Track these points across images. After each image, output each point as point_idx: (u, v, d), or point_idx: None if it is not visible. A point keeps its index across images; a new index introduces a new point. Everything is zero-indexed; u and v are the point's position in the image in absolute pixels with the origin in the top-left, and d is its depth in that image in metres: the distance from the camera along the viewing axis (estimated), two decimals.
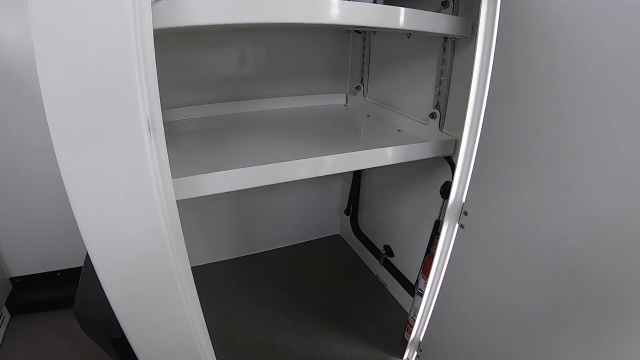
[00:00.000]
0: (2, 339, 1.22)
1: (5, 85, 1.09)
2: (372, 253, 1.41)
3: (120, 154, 0.46)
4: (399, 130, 1.02)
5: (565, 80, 0.56)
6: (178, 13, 0.50)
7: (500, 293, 0.74)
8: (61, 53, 0.40)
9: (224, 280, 1.40)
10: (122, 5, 0.41)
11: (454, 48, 0.87)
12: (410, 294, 1.18)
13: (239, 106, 1.18)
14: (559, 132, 0.58)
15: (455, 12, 0.81)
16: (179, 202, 0.57)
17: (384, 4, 0.70)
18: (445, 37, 0.87)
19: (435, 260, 0.89)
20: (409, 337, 1.06)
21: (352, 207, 1.50)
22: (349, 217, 1.53)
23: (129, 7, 0.41)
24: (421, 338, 1.03)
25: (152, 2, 0.45)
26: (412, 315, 1.06)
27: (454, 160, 0.88)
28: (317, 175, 0.75)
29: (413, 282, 1.17)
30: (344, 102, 1.33)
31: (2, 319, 1.25)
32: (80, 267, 0.86)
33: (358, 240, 1.50)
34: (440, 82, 0.92)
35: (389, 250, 1.30)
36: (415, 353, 1.06)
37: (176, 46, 1.08)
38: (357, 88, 1.27)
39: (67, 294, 1.32)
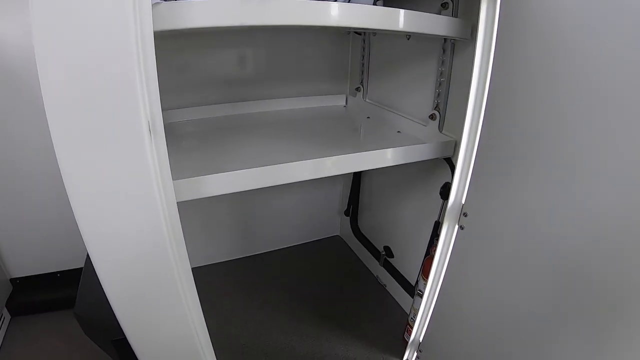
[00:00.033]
0: (2, 340, 1.22)
1: (5, 85, 1.09)
2: (372, 254, 1.41)
3: (121, 154, 0.47)
4: (398, 132, 1.02)
5: (564, 82, 0.56)
6: (178, 15, 0.50)
7: (500, 293, 0.74)
8: (62, 53, 0.40)
9: (224, 281, 1.40)
10: (123, 6, 0.41)
11: (454, 50, 0.87)
12: (410, 295, 1.18)
13: (239, 107, 1.18)
14: (559, 133, 0.58)
15: (454, 14, 0.81)
16: (179, 203, 0.57)
17: (384, 5, 0.70)
18: (445, 39, 0.87)
19: (435, 261, 0.89)
20: (408, 338, 1.06)
21: (352, 208, 1.50)
22: (348, 218, 1.53)
23: (129, 7, 0.41)
24: (421, 339, 1.03)
25: (152, 5, 0.45)
26: (412, 316, 1.06)
27: (453, 162, 0.89)
28: (317, 177, 0.75)
29: (413, 283, 1.17)
30: (344, 104, 1.33)
31: (2, 320, 1.25)
32: (81, 268, 0.87)
33: (358, 241, 1.50)
34: (439, 84, 0.92)
35: (388, 251, 1.30)
36: (415, 354, 1.06)
37: (176, 48, 1.08)
38: (357, 89, 1.27)
39: (68, 295, 1.32)
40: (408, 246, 1.20)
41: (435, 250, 0.88)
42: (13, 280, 1.34)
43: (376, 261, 1.38)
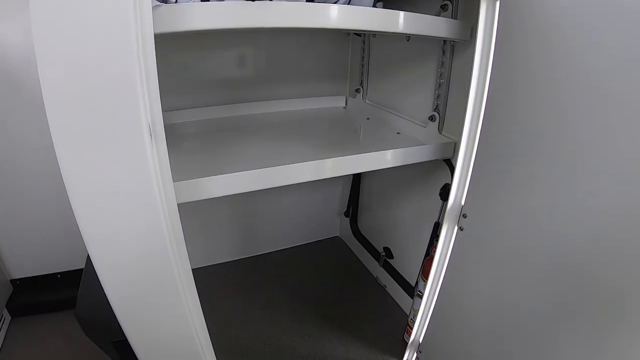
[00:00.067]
0: (3, 341, 1.22)
1: (5, 85, 1.09)
2: (372, 255, 1.41)
3: (121, 154, 0.47)
4: (398, 133, 1.02)
5: (564, 81, 0.56)
6: (179, 18, 0.50)
7: (500, 293, 0.74)
8: (62, 52, 0.40)
9: (225, 282, 1.40)
10: (123, 5, 0.41)
11: (453, 51, 0.87)
12: (409, 296, 1.18)
13: (239, 109, 1.18)
14: (559, 131, 0.58)
15: (454, 16, 0.81)
16: (180, 204, 0.57)
17: (384, 7, 0.70)
18: (445, 40, 0.87)
19: (434, 262, 0.89)
20: (408, 339, 1.06)
21: (352, 209, 1.50)
22: (348, 219, 1.53)
23: (130, 6, 0.41)
24: (421, 339, 1.03)
25: (153, 7, 0.45)
26: (411, 316, 1.06)
27: (453, 163, 0.89)
28: (317, 179, 0.75)
29: (413, 284, 1.17)
30: (344, 105, 1.34)
31: (2, 321, 1.25)
32: (81, 269, 0.87)
33: (358, 242, 1.50)
34: (439, 85, 0.92)
35: (388, 252, 1.30)
36: (415, 354, 1.06)
37: (176, 49, 1.08)
38: (357, 90, 1.27)
39: (68, 296, 1.32)
40: (408, 247, 1.20)
41: (435, 251, 0.89)
42: (13, 282, 1.34)
43: (376, 262, 1.38)
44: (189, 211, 1.13)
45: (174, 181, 0.54)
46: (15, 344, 1.23)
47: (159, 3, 0.49)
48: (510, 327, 0.73)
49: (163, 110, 0.49)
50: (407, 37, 1.00)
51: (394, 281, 1.28)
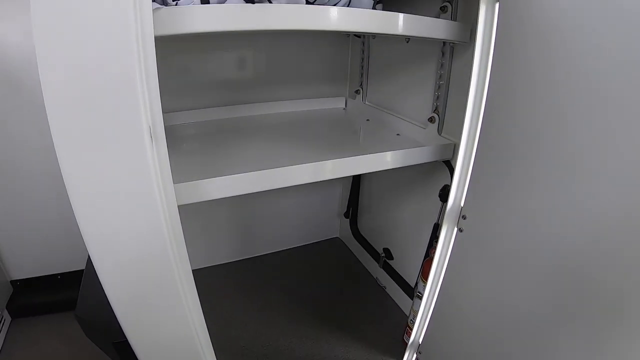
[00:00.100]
0: (3, 342, 1.22)
1: (5, 85, 1.09)
2: (371, 256, 1.41)
3: (121, 155, 0.47)
4: (398, 134, 1.02)
5: (564, 82, 0.56)
6: (179, 20, 0.50)
7: (500, 295, 0.74)
8: (62, 53, 0.40)
9: (225, 282, 1.40)
10: (123, 5, 0.41)
11: (453, 53, 0.87)
12: (409, 297, 1.18)
13: (239, 110, 1.19)
14: (559, 133, 0.58)
15: (453, 18, 0.82)
16: (180, 206, 0.58)
17: (383, 9, 0.71)
18: (444, 42, 0.88)
19: (434, 263, 0.89)
20: (408, 340, 1.06)
21: (352, 210, 1.50)
22: (348, 220, 1.53)
23: (130, 7, 0.42)
24: (420, 340, 1.03)
25: (153, 9, 0.45)
26: (411, 317, 1.06)
27: (452, 164, 0.89)
28: (316, 180, 0.75)
29: (412, 285, 1.17)
30: (344, 106, 1.34)
31: (2, 322, 1.25)
32: (81, 270, 0.87)
33: (357, 243, 1.50)
34: (439, 87, 0.92)
35: (388, 253, 1.31)
36: (415, 355, 1.06)
37: (176, 51, 1.09)
38: (357, 92, 1.28)
39: (68, 296, 1.32)
40: (407, 248, 1.21)
41: (434, 253, 0.89)
42: (13, 282, 1.34)
43: (376, 263, 1.38)
44: (189, 213, 1.14)
45: (174, 183, 0.54)
46: (15, 345, 1.23)
47: (159, 5, 0.49)
48: (509, 328, 0.73)
49: (163, 112, 0.49)
50: (407, 38, 1.00)
51: (394, 282, 1.28)
